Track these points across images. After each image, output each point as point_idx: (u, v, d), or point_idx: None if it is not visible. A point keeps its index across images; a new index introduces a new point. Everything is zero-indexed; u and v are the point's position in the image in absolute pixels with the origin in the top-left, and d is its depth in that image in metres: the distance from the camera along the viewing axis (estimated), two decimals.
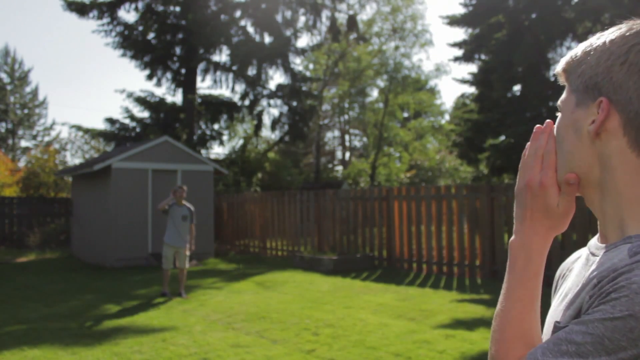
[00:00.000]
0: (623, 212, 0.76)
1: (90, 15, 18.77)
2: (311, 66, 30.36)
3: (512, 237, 0.85)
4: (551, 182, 0.81)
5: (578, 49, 0.82)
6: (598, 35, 0.80)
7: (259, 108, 21.44)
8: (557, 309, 0.82)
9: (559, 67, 0.84)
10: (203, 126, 20.68)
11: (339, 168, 36.86)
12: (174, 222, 8.26)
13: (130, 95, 19.72)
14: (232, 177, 19.94)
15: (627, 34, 0.75)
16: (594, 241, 0.84)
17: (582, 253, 0.90)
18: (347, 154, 38.27)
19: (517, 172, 0.88)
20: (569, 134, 0.80)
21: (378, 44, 28.47)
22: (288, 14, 20.88)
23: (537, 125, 0.87)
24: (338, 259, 10.51)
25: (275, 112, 55.51)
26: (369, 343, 5.30)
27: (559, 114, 0.84)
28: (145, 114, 20.35)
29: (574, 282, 0.82)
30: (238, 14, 20.03)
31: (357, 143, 39.64)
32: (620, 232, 0.76)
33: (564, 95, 0.83)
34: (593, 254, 0.81)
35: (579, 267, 0.85)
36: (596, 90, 0.76)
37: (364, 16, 30.73)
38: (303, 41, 58.76)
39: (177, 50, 19.66)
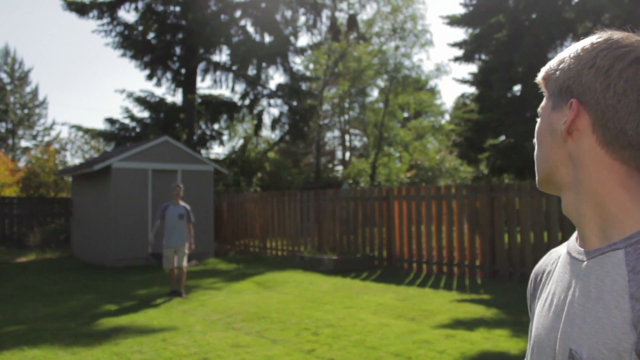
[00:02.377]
0: (602, 212, 0.79)
1: (90, 15, 18.77)
2: (311, 66, 30.35)
3: None
4: None
5: (555, 59, 0.88)
6: (573, 45, 0.86)
7: (259, 108, 21.44)
8: (542, 315, 0.85)
9: (539, 76, 0.90)
10: (203, 126, 20.68)
11: (339, 168, 36.86)
12: (171, 222, 8.27)
13: (130, 95, 19.72)
14: (232, 177, 19.93)
15: (596, 41, 0.82)
16: (573, 243, 0.86)
17: (559, 253, 0.92)
18: (347, 154, 38.27)
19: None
20: (545, 137, 0.86)
21: (378, 44, 28.46)
22: (288, 13, 20.90)
23: None
24: (338, 259, 10.52)
25: (275, 112, 55.58)
26: (369, 343, 5.30)
27: (538, 120, 0.90)
28: (145, 114, 20.36)
29: (559, 287, 0.84)
30: (238, 13, 20.03)
31: (357, 143, 39.66)
32: (602, 234, 0.79)
33: (543, 102, 0.89)
34: (575, 258, 0.82)
35: (560, 270, 0.86)
36: (569, 93, 0.82)
37: (364, 16, 30.77)
38: (303, 41, 58.82)
39: (177, 50, 19.65)
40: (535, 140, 0.89)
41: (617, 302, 0.72)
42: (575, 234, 0.89)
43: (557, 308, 0.82)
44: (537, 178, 0.89)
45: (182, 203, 8.39)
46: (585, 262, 0.79)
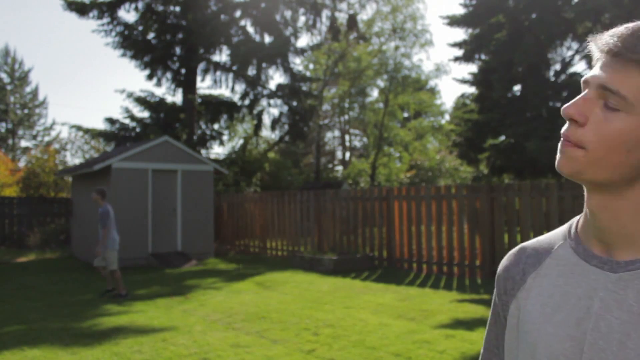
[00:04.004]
0: None
1: (90, 15, 18.76)
2: (311, 66, 30.34)
3: None
4: None
5: (623, 31, 0.73)
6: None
7: (259, 108, 21.44)
8: (541, 319, 0.80)
9: (605, 46, 0.73)
10: (203, 126, 20.68)
11: (339, 168, 36.85)
12: None
13: (130, 95, 19.72)
14: (232, 177, 19.93)
15: None
16: (582, 248, 0.81)
17: (537, 251, 0.88)
18: (347, 154, 38.27)
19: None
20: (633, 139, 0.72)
21: (378, 44, 28.45)
22: (288, 13, 20.89)
23: None
24: (338, 259, 10.51)
25: (275, 112, 55.50)
26: (369, 343, 5.30)
27: (618, 114, 0.72)
28: (145, 114, 20.36)
29: (569, 293, 0.79)
30: (238, 13, 20.03)
31: (357, 143, 39.65)
32: (635, 245, 0.76)
33: (613, 79, 0.71)
34: (597, 267, 0.78)
35: (563, 274, 0.82)
36: None
37: (364, 16, 30.78)
38: (303, 41, 58.85)
39: (177, 50, 19.65)
40: (612, 140, 0.73)
41: None
42: (563, 234, 0.85)
43: (570, 316, 0.77)
44: (577, 169, 0.76)
45: (105, 205, 8.28)
46: (619, 274, 0.75)
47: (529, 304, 0.84)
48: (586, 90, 0.75)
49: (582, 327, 0.75)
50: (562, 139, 0.77)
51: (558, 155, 0.77)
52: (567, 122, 0.77)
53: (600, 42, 0.74)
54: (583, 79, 0.77)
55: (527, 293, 0.86)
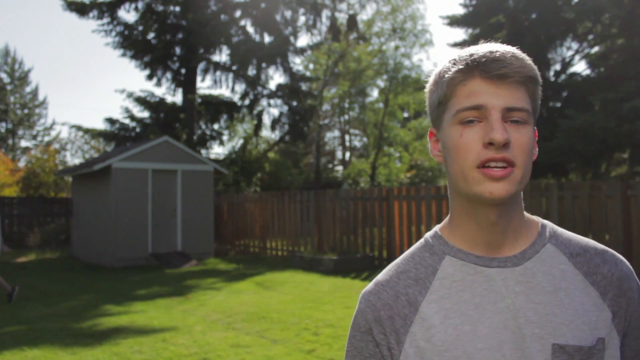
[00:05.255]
0: (522, 219, 0.85)
1: (90, 15, 18.76)
2: (311, 66, 30.33)
3: None
4: None
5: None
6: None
7: (259, 108, 21.44)
8: (462, 340, 0.78)
9: (497, 71, 0.78)
10: (203, 126, 20.69)
11: (339, 168, 36.85)
12: None
13: (130, 95, 19.72)
14: (232, 177, 19.93)
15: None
16: (474, 257, 0.82)
17: (412, 279, 0.86)
18: (347, 154, 38.27)
19: None
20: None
21: (378, 44, 28.46)
22: (288, 13, 20.90)
23: None
24: (338, 259, 10.51)
25: (275, 112, 55.51)
26: None
27: (525, 125, 0.80)
28: (145, 114, 20.36)
29: (482, 304, 0.79)
30: (238, 13, 20.03)
31: (357, 143, 39.64)
32: (515, 239, 0.84)
33: (527, 105, 0.80)
34: (500, 267, 0.81)
35: (463, 289, 0.81)
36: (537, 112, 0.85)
37: (364, 16, 30.74)
38: (303, 41, 58.76)
39: (177, 50, 19.65)
40: (529, 149, 0.79)
41: (575, 285, 0.79)
42: (435, 253, 0.86)
43: (494, 322, 0.78)
44: (517, 189, 0.78)
45: None
46: (522, 265, 0.81)
47: (437, 333, 0.80)
48: (493, 114, 0.76)
49: (510, 327, 0.77)
50: (488, 166, 0.76)
51: (492, 184, 0.76)
52: (486, 149, 0.76)
53: (484, 69, 0.78)
54: (473, 105, 0.77)
55: (427, 323, 0.81)
